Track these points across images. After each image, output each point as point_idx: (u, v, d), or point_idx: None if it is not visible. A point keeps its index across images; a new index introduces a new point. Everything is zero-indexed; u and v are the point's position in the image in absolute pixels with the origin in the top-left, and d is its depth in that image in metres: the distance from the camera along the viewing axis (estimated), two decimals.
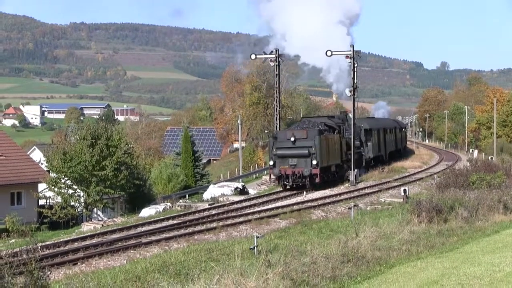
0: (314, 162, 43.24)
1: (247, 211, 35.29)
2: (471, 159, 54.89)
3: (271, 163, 44.80)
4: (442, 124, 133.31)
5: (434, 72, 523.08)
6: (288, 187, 45.02)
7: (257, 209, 36.02)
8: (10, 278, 11.42)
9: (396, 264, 18.35)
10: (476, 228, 25.63)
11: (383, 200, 39.18)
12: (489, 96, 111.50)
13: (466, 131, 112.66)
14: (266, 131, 75.10)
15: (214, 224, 30.14)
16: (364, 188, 45.71)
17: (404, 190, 38.49)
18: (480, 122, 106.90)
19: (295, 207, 35.84)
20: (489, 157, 67.95)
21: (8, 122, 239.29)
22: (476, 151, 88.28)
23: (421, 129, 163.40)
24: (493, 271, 15.35)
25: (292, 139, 43.75)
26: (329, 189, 46.01)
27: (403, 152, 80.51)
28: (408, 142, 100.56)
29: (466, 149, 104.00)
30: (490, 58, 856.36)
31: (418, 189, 44.50)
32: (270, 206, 37.19)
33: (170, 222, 32.64)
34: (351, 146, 50.32)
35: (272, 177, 46.49)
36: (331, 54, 53.77)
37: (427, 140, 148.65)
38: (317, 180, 43.76)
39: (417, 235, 23.48)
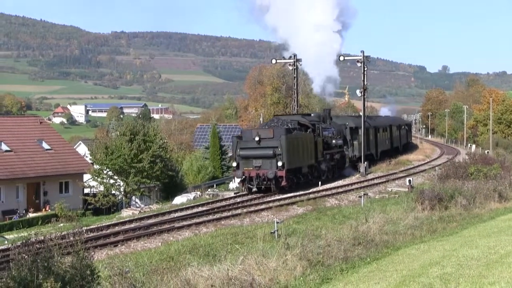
0: (280, 163, 36.27)
1: (268, 199, 35.22)
2: (470, 153, 54.43)
3: (234, 164, 38.06)
4: (443, 121, 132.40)
5: (436, 74, 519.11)
6: (254, 190, 37.62)
7: (276, 197, 35.87)
8: (59, 258, 11.49)
9: (402, 246, 18.27)
10: (474, 214, 25.46)
11: (390, 190, 38.99)
12: (486, 96, 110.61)
13: (465, 128, 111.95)
14: None
15: (239, 211, 30.16)
16: (373, 178, 45.48)
17: (409, 180, 38.32)
18: (477, 119, 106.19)
19: (311, 195, 35.76)
20: (486, 151, 67.36)
21: (57, 120, 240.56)
22: (474, 146, 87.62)
23: (424, 126, 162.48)
24: (489, 253, 15.25)
25: (257, 138, 36.96)
26: (342, 179, 45.87)
27: (402, 150, 72.09)
28: (412, 138, 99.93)
29: (465, 144, 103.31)
30: (486, 62, 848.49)
31: (421, 180, 44.23)
32: (288, 195, 37.04)
33: (200, 209, 32.70)
34: (332, 145, 44.90)
35: (236, 179, 40.71)
36: (344, 59, 53.66)
37: (429, 136, 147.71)
38: (283, 183, 36.54)
39: (420, 221, 23.38)
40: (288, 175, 37.19)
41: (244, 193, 38.32)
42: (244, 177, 37.38)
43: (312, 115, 47.17)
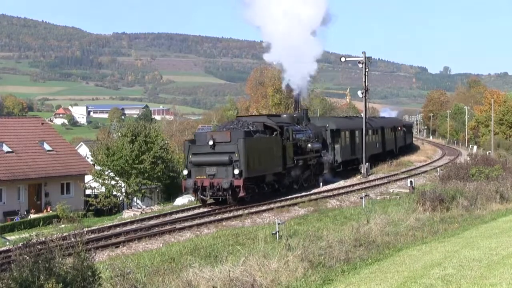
0: (236, 171, 31.24)
1: (270, 200, 35.21)
2: (471, 154, 54.44)
3: (185, 172, 33.07)
4: (445, 122, 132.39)
5: (437, 76, 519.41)
6: (210, 201, 33.06)
7: (277, 198, 35.79)
8: (60, 259, 11.51)
9: (403, 248, 18.26)
10: (475, 216, 25.44)
11: (391, 191, 38.97)
12: (487, 97, 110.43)
13: (466, 129, 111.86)
14: None
15: (240, 212, 30.14)
16: (375, 180, 45.46)
17: (411, 181, 38.26)
18: (479, 120, 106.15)
19: (313, 196, 35.74)
20: (487, 152, 67.31)
21: (58, 121, 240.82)
22: (475, 147, 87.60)
23: (425, 127, 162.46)
24: (491, 254, 15.24)
25: (211, 142, 32.03)
26: (343, 180, 45.85)
27: (398, 153, 67.41)
28: (414, 139, 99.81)
29: (466, 145, 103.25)
30: (488, 63, 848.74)
31: (423, 181, 44.22)
32: (290, 196, 36.97)
33: (201, 210, 32.60)
34: (307, 150, 40.32)
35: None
36: (345, 60, 53.72)
37: (431, 137, 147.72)
38: (241, 193, 31.47)
39: (422, 222, 23.36)
40: (247, 185, 32.19)
41: (192, 206, 33.76)
42: (196, 186, 32.24)
43: (284, 116, 42.21)
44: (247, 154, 31.91)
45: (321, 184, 41.73)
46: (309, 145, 40.58)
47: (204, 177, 32.07)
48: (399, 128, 72.10)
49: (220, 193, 31.69)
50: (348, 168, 50.13)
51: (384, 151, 61.45)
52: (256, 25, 47.48)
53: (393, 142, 67.24)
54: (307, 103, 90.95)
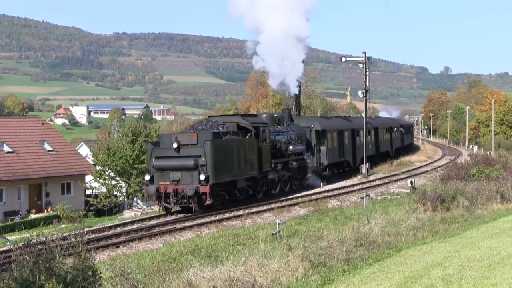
0: (202, 176, 28.59)
1: (270, 200, 35.20)
2: (472, 154, 54.43)
3: (147, 178, 30.38)
4: (445, 122, 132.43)
5: (438, 76, 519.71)
6: (176, 209, 30.83)
7: (277, 198, 35.75)
8: (61, 259, 11.51)
9: (404, 248, 18.25)
10: (476, 216, 25.43)
11: (392, 191, 38.94)
12: (488, 97, 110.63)
13: (467, 129, 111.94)
14: None
15: (240, 212, 30.11)
16: (375, 180, 45.45)
17: (411, 181, 38.24)
18: (479, 120, 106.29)
19: (313, 196, 35.72)
20: (488, 152, 67.31)
21: (59, 121, 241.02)
22: (476, 147, 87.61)
23: (426, 127, 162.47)
24: (491, 254, 15.24)
25: (175, 145, 29.43)
26: (344, 181, 45.84)
27: (395, 155, 64.65)
28: (414, 139, 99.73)
29: (467, 145, 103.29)
30: (488, 63, 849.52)
31: (423, 181, 44.21)
32: (291, 196, 36.93)
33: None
34: (288, 152, 37.80)
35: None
36: (346, 60, 53.75)
37: (431, 137, 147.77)
38: (208, 201, 28.86)
39: (422, 222, 23.35)
40: (215, 191, 29.67)
41: (152, 215, 31.28)
42: (159, 193, 29.61)
43: (264, 115, 39.27)
44: (215, 157, 29.20)
45: (321, 184, 41.70)
46: (290, 147, 38.07)
47: (168, 183, 29.49)
48: (395, 129, 69.59)
49: (185, 200, 29.07)
50: (336, 172, 47.99)
51: (378, 153, 58.83)
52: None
53: (388, 144, 64.82)
54: (307, 103, 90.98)
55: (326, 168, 44.67)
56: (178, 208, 30.81)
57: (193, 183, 28.93)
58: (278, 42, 43.87)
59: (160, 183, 29.68)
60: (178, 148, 29.47)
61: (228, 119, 34.93)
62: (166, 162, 29.68)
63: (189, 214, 28.99)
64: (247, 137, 33.34)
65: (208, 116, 37.76)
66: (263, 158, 33.86)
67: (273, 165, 35.29)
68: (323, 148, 44.18)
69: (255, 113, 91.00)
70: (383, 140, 61.48)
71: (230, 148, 30.95)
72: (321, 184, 41.68)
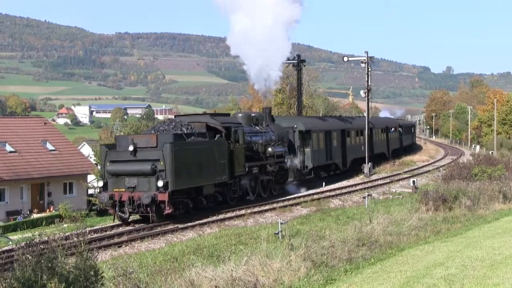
0: (160, 183, 25.97)
1: (273, 200, 35.20)
2: (474, 154, 54.35)
3: (100, 184, 27.95)
4: (448, 122, 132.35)
5: (440, 75, 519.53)
6: (135, 217, 28.11)
7: (280, 198, 35.72)
8: (63, 258, 11.52)
9: (406, 247, 18.23)
10: (478, 215, 25.41)
11: (394, 190, 38.95)
12: (490, 97, 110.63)
13: (469, 129, 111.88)
14: None
15: (242, 212, 30.11)
16: (377, 179, 45.43)
17: (413, 181, 38.22)
18: (481, 120, 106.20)
19: (315, 196, 35.72)
20: (490, 152, 67.26)
21: (61, 121, 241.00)
22: (478, 147, 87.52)
23: (428, 127, 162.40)
24: (494, 254, 15.22)
25: (131, 148, 26.75)
26: (346, 180, 45.82)
27: (392, 156, 60.86)
28: (416, 139, 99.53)
29: (469, 145, 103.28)
30: (491, 62, 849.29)
31: (425, 181, 44.19)
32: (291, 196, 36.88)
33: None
34: (267, 155, 35.07)
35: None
36: (348, 60, 53.74)
37: (433, 137, 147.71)
38: (167, 210, 26.13)
39: (424, 221, 23.33)
40: (176, 199, 27.08)
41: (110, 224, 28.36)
42: (113, 201, 26.97)
43: (240, 115, 36.42)
44: (176, 162, 26.46)
45: (323, 184, 41.64)
46: (269, 149, 35.26)
47: (123, 190, 26.84)
48: (392, 129, 66.37)
49: (142, 209, 26.42)
50: (323, 176, 45.10)
51: (373, 155, 54.42)
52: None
53: (385, 145, 61.57)
54: (309, 103, 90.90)
55: (311, 171, 41.96)
56: (138, 217, 28.07)
57: (151, 190, 26.28)
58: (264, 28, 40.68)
59: (114, 190, 27.06)
60: (135, 151, 26.83)
61: (196, 119, 32.31)
62: (121, 167, 27.03)
63: (149, 224, 26.47)
64: (216, 138, 30.57)
65: (175, 116, 34.20)
66: (235, 161, 31.13)
67: (247, 168, 32.57)
68: (307, 150, 41.40)
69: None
70: (378, 141, 58.29)
71: (194, 151, 27.97)
72: (323, 184, 41.63)
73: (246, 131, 33.54)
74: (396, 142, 67.98)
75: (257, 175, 34.46)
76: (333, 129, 47.02)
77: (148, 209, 26.17)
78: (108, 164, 27.33)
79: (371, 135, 54.77)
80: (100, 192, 28.06)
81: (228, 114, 37.55)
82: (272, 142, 36.16)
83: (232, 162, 30.94)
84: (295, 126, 40.90)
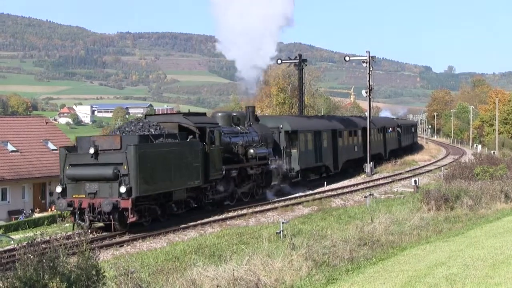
0: (123, 189, 23.75)
1: (274, 199, 35.18)
2: (475, 153, 54.33)
3: (59, 189, 25.40)
4: (449, 121, 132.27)
5: (441, 75, 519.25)
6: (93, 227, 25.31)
7: (282, 197, 35.66)
8: (64, 258, 11.53)
9: (408, 247, 18.24)
10: (480, 215, 25.40)
11: (395, 190, 38.93)
12: (492, 96, 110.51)
13: (471, 128, 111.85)
14: None
15: (244, 211, 30.13)
16: (379, 179, 45.42)
17: (415, 180, 38.21)
18: (483, 120, 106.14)
19: (317, 196, 35.71)
20: (492, 152, 67.24)
21: (63, 120, 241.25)
22: (480, 146, 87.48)
23: (430, 126, 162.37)
24: (495, 253, 15.22)
25: (92, 150, 24.62)
26: (347, 180, 45.80)
27: (388, 157, 58.93)
28: (418, 138, 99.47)
29: (470, 144, 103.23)
30: (492, 62, 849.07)
31: (427, 180, 44.17)
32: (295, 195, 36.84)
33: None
34: (248, 157, 33.13)
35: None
36: (349, 59, 53.68)
37: (435, 136, 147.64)
38: (131, 218, 23.89)
39: (426, 221, 23.33)
40: (142, 206, 25.00)
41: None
42: (73, 208, 24.84)
43: (219, 114, 34.41)
44: (141, 165, 24.29)
45: (325, 183, 41.59)
46: (251, 150, 33.33)
47: (83, 196, 24.73)
48: (390, 129, 63.69)
49: (104, 216, 24.11)
50: (312, 179, 43.66)
51: (367, 156, 51.33)
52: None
53: (381, 145, 59.02)
54: (310, 102, 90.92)
55: (298, 174, 39.51)
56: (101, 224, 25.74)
57: (113, 196, 24.09)
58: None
59: (74, 196, 24.94)
60: (96, 154, 24.69)
61: (168, 119, 30.23)
62: (81, 171, 24.92)
63: (112, 233, 24.45)
64: (188, 140, 28.20)
65: (146, 115, 31.92)
66: (210, 164, 28.96)
67: (224, 172, 30.41)
68: (294, 151, 39.11)
69: (258, 113, 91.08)
70: (374, 142, 54.61)
71: (162, 154, 25.69)
72: (325, 183, 41.59)
73: (225, 132, 31.82)
74: (394, 143, 65.95)
75: (235, 178, 32.28)
76: (323, 129, 44.68)
77: (110, 217, 23.91)
78: (67, 168, 25.23)
79: (365, 135, 52.27)
80: (58, 198, 25.65)
81: (204, 114, 35.21)
82: (255, 143, 34.29)
83: (207, 165, 28.75)
84: (281, 126, 38.64)
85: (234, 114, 35.23)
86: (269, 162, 35.22)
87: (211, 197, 30.05)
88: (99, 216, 24.20)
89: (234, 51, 38.51)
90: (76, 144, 26.60)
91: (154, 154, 25.21)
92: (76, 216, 24.80)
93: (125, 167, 24.10)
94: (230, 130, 32.72)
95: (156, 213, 25.98)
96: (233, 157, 32.12)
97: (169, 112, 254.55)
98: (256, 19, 37.69)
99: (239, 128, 33.88)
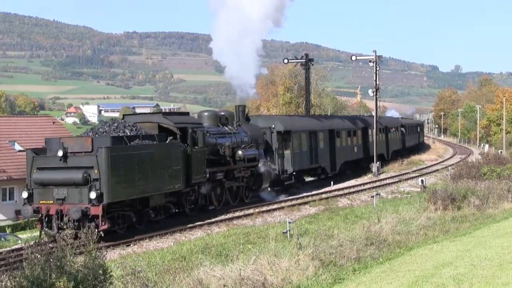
0: (93, 194, 22.08)
1: (280, 199, 35.16)
2: (483, 153, 54.22)
3: (25, 195, 23.95)
4: (456, 121, 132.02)
5: (448, 74, 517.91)
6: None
7: (289, 197, 35.66)
8: (71, 257, 11.55)
9: (414, 247, 18.21)
10: (487, 215, 25.34)
11: (402, 190, 38.87)
12: (499, 96, 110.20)
13: (478, 128, 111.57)
14: None
15: (251, 211, 30.13)
16: (386, 178, 45.37)
17: (422, 180, 38.15)
18: (490, 119, 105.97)
19: (324, 195, 35.69)
20: (499, 151, 67.07)
21: (69, 120, 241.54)
22: (487, 146, 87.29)
23: (437, 126, 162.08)
24: (503, 253, 15.17)
25: (60, 153, 22.94)
26: (354, 179, 45.77)
27: (391, 158, 57.90)
28: (425, 138, 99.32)
29: (478, 144, 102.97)
30: (499, 61, 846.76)
31: (434, 180, 44.08)
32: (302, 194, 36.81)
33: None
34: (236, 158, 31.40)
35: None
36: (356, 59, 53.65)
37: (442, 136, 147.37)
38: (102, 226, 22.10)
39: (433, 221, 23.30)
40: (115, 212, 23.28)
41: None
42: (40, 215, 23.18)
43: (205, 114, 32.41)
44: (113, 169, 22.58)
45: (331, 183, 41.55)
46: (239, 152, 31.55)
47: (51, 202, 23.03)
48: (392, 129, 61.89)
49: (73, 224, 20.88)
50: (307, 181, 42.80)
51: (368, 157, 51.09)
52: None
53: (383, 145, 56.60)
54: (317, 102, 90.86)
55: (291, 176, 37.89)
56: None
57: (82, 202, 22.48)
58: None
59: (41, 202, 23.25)
60: (65, 156, 23.01)
61: (147, 119, 28.23)
62: (49, 175, 23.21)
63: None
64: (170, 140, 26.47)
65: (124, 115, 30.05)
66: (192, 167, 27.21)
67: (208, 175, 28.66)
68: (287, 152, 37.40)
69: (264, 112, 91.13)
70: (381, 141, 53.87)
71: (138, 157, 23.89)
72: (331, 183, 41.56)
73: (211, 132, 30.16)
74: (397, 143, 64.08)
75: (221, 181, 30.61)
76: (319, 129, 42.91)
77: (80, 224, 21.33)
78: (34, 171, 23.61)
79: (366, 135, 51.97)
80: (24, 204, 23.83)
81: (187, 113, 33.70)
82: (244, 144, 32.60)
83: (189, 168, 27.02)
84: (273, 126, 36.91)
85: (222, 113, 33.46)
86: (259, 164, 33.63)
87: (194, 201, 28.41)
88: (67, 224, 21.12)
89: (225, 56, 37.81)
90: (45, 145, 24.72)
91: (128, 157, 23.48)
92: (44, 224, 23.11)
93: (96, 171, 22.42)
94: (216, 131, 31.00)
95: (131, 220, 24.06)
96: (219, 159, 30.43)
97: (175, 110, 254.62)
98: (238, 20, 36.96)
99: (227, 128, 32.19)
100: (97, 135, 24.48)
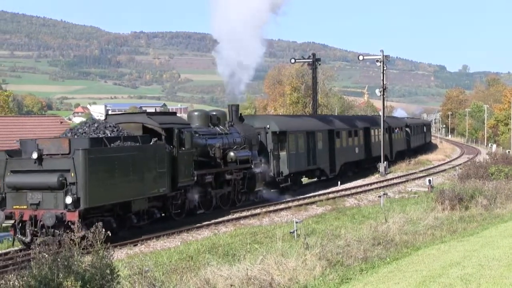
0: (69, 199, 20.75)
1: (287, 198, 35.14)
2: (490, 153, 54.05)
3: None
4: (464, 121, 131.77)
5: (456, 74, 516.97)
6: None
7: (296, 197, 35.61)
8: (79, 257, 11.58)
9: (422, 247, 18.17)
10: (495, 215, 25.27)
11: (409, 189, 38.79)
12: (507, 95, 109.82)
13: (485, 127, 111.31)
14: None
15: (258, 210, 30.12)
16: (393, 178, 45.30)
17: (429, 180, 38.08)
18: (498, 119, 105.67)
19: (331, 195, 35.66)
20: (507, 151, 66.83)
21: (77, 120, 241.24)
22: (494, 146, 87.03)
23: (444, 126, 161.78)
24: (510, 253, 15.12)
25: (35, 155, 21.58)
26: (361, 179, 45.72)
27: (395, 159, 56.51)
28: (432, 138, 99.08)
29: (485, 144, 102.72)
30: (507, 61, 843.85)
31: (441, 180, 43.99)
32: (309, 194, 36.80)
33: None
34: (227, 160, 30.15)
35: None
36: (363, 59, 53.63)
37: (449, 136, 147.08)
38: (79, 233, 14.36)
39: (440, 221, 23.24)
40: (93, 218, 21.38)
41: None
42: (13, 221, 21.99)
43: (195, 113, 31.35)
44: (91, 172, 21.26)
45: (339, 183, 41.50)
46: (231, 153, 30.38)
47: (25, 207, 21.69)
48: (396, 129, 60.20)
49: (47, 231, 20.82)
50: (304, 183, 41.82)
51: (370, 158, 50.00)
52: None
53: (387, 146, 53.92)
54: (324, 102, 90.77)
55: (287, 178, 36.47)
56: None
57: (58, 207, 21.11)
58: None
59: (14, 207, 21.90)
60: (40, 159, 21.64)
61: (130, 119, 26.71)
62: (22, 179, 21.88)
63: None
64: (155, 142, 25.07)
65: (106, 115, 28.77)
66: (179, 169, 25.87)
67: (196, 177, 27.32)
68: (283, 153, 36.05)
69: (271, 112, 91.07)
70: (377, 142, 51.65)
71: (118, 159, 22.54)
72: (338, 182, 41.52)
73: (201, 133, 28.93)
74: (402, 144, 62.31)
75: (210, 184, 29.29)
76: (317, 129, 41.35)
77: (53, 231, 20.45)
78: (8, 174, 22.12)
79: (368, 136, 50.47)
80: None
81: (174, 113, 32.16)
82: (236, 145, 31.24)
83: (175, 170, 25.64)
84: (268, 126, 35.51)
85: (213, 113, 32.10)
86: (253, 166, 32.28)
87: (183, 205, 27.29)
88: (42, 230, 21.06)
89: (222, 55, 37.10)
90: (20, 147, 23.14)
91: (108, 160, 22.16)
92: (17, 230, 21.82)
93: (72, 174, 21.09)
94: (206, 131, 29.68)
95: (111, 225, 22.05)
96: (209, 161, 29.13)
97: (182, 111, 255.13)
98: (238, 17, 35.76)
99: (218, 128, 30.87)
100: (76, 136, 23.26)
